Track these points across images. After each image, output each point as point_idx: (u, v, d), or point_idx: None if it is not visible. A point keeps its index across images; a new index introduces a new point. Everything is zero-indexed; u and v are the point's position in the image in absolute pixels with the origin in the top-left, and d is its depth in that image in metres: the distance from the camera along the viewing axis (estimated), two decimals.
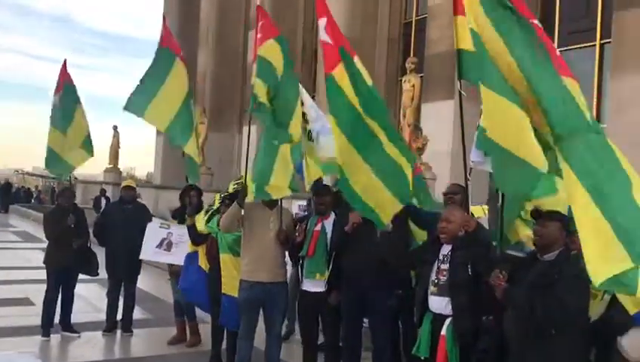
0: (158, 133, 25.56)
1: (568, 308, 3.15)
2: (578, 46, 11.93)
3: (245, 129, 19.31)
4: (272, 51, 5.02)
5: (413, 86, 10.93)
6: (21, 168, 50.99)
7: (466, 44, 3.68)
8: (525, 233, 4.26)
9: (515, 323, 3.41)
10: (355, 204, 4.43)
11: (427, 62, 13.40)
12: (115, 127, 24.43)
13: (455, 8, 3.80)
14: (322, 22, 4.55)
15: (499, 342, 3.85)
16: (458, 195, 4.58)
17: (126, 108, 6.06)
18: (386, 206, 4.30)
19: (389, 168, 4.31)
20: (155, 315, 7.77)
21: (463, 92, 4.17)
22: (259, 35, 5.04)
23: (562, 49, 12.10)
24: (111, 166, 24.63)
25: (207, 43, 22.75)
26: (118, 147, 24.51)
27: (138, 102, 6.04)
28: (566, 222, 3.46)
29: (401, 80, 12.86)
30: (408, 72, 11.10)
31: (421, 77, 12.05)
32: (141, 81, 6.16)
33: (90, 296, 8.27)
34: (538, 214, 3.49)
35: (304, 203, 7.60)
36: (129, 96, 6.07)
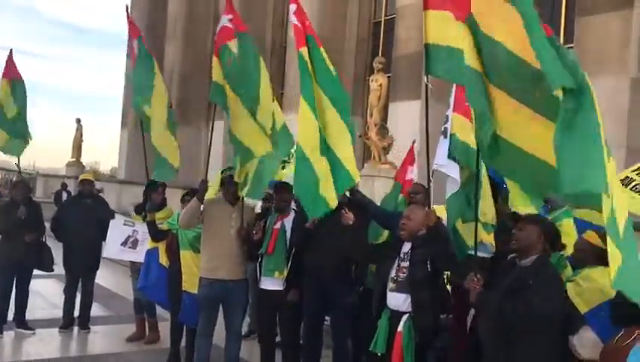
0: (123, 127, 25.17)
1: (537, 313, 3.13)
2: None
3: (216, 123, 19.03)
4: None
5: (381, 85, 10.97)
6: None
7: (435, 38, 3.68)
8: (483, 236, 4.33)
9: (489, 326, 3.43)
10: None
11: (395, 63, 13.46)
12: (78, 120, 24.00)
13: (425, 3, 3.79)
14: (292, 7, 4.57)
15: (468, 342, 3.91)
16: (419, 195, 4.65)
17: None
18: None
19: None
20: (114, 312, 7.63)
21: (430, 85, 4.18)
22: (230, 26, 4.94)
23: None
24: (73, 160, 24.15)
25: (174, 37, 22.46)
26: (81, 140, 24.07)
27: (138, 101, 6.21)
28: (547, 226, 3.46)
29: (369, 79, 12.91)
30: (376, 71, 11.15)
31: (389, 77, 12.11)
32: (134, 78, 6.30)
33: (46, 292, 8.07)
34: (517, 218, 3.50)
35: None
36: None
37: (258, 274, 4.96)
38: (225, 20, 4.95)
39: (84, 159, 25.04)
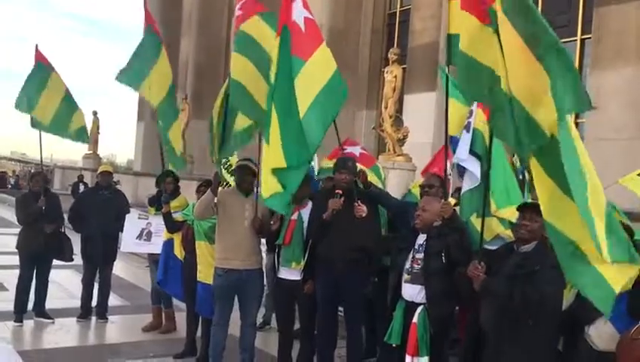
0: (139, 119, 25.39)
1: (546, 298, 3.19)
2: (560, 41, 12.01)
3: None
4: (256, 27, 4.91)
5: (395, 77, 10.89)
6: (12, 153, 50.26)
7: (458, 28, 3.65)
8: (500, 230, 4.33)
9: (493, 313, 3.45)
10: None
11: (410, 54, 13.41)
12: (94, 113, 24.17)
13: None
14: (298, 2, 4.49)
15: (475, 332, 3.91)
16: (433, 188, 4.60)
17: (118, 79, 6.09)
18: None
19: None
20: (131, 302, 7.72)
21: (450, 75, 4.16)
22: (240, 12, 4.92)
23: None
24: (90, 152, 24.39)
25: (189, 30, 22.53)
26: (98, 133, 24.27)
27: (131, 76, 6.10)
28: None
29: (384, 70, 12.87)
30: (391, 62, 11.07)
31: (404, 68, 12.05)
32: (131, 60, 6.18)
33: (64, 282, 8.19)
34: (529, 208, 3.50)
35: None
36: (120, 70, 6.12)
37: (276, 264, 5.00)
38: (237, 10, 4.94)
39: (101, 151, 25.29)
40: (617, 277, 2.92)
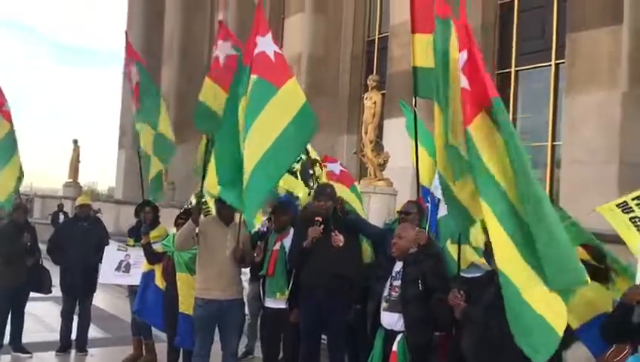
0: (120, 147, 25.28)
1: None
2: (535, 66, 12.29)
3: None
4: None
5: (375, 103, 11.04)
6: None
7: (422, 61, 3.76)
8: (474, 258, 4.40)
9: (474, 341, 3.47)
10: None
11: (389, 80, 13.59)
12: (75, 141, 24.05)
13: (413, 27, 3.90)
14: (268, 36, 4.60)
15: (457, 358, 3.93)
16: (410, 215, 4.63)
17: (136, 120, 6.40)
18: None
19: None
20: (111, 334, 7.63)
21: (415, 109, 4.27)
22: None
23: (520, 68, 12.49)
24: (70, 180, 24.17)
25: (170, 58, 22.63)
26: (78, 161, 24.12)
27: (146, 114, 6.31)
28: None
29: (364, 96, 13.02)
30: (370, 89, 11.23)
31: (383, 94, 12.21)
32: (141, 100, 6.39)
33: (42, 315, 8.06)
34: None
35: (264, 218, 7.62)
36: (137, 111, 6.38)
37: (262, 294, 5.01)
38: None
39: (82, 178, 25.07)
40: (558, 321, 2.95)
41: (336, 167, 5.89)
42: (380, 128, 11.63)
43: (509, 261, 2.97)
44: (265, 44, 4.50)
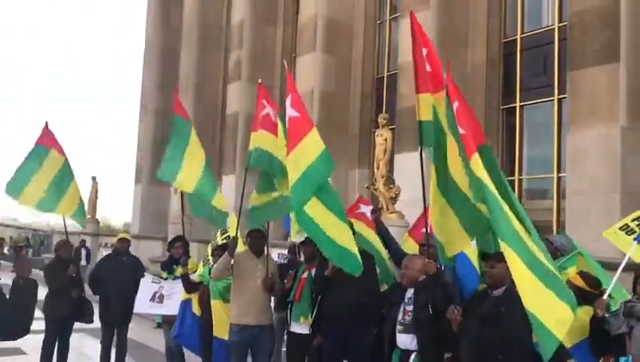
0: (137, 183, 25.93)
1: (512, 338, 3.68)
2: (538, 101, 12.83)
3: (224, 178, 19.59)
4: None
5: (386, 140, 11.63)
6: None
7: (426, 115, 4.36)
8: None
9: (471, 352, 3.93)
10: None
11: (398, 115, 14.16)
12: (93, 178, 24.72)
13: (417, 88, 4.48)
14: (289, 99, 5.13)
15: None
16: (432, 247, 5.07)
17: (162, 177, 6.59)
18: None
19: None
20: (140, 361, 8.06)
21: (424, 156, 4.83)
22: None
23: (524, 103, 13.03)
24: (89, 216, 24.76)
25: (186, 94, 23.41)
26: (96, 198, 24.73)
27: (169, 170, 6.45)
28: None
29: (374, 132, 13.58)
30: (381, 126, 11.81)
31: (392, 129, 12.76)
32: (167, 151, 6.60)
33: (79, 345, 8.53)
34: (490, 257, 4.06)
35: (284, 251, 8.12)
36: (162, 168, 6.56)
37: (288, 319, 5.47)
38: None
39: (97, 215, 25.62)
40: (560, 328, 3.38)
41: (368, 210, 6.32)
42: (391, 163, 12.18)
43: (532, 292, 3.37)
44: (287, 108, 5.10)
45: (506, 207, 3.54)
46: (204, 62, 22.40)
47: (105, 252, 18.78)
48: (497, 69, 13.27)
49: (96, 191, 24.53)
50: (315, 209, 4.73)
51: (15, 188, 6.83)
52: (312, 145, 4.93)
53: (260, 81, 5.95)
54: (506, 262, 3.91)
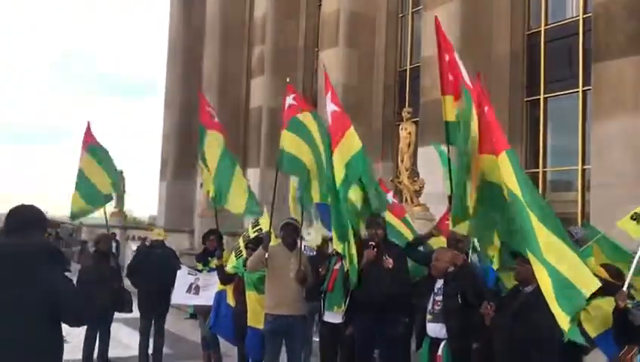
0: (162, 177, 26.41)
1: (541, 334, 3.85)
2: (562, 93, 12.83)
3: (249, 171, 19.73)
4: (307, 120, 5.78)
5: (410, 133, 11.78)
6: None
7: (451, 116, 4.60)
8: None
9: (503, 345, 4.12)
10: None
11: (422, 108, 14.25)
12: (120, 172, 25.20)
13: (442, 90, 4.71)
14: (328, 95, 5.41)
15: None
16: (462, 242, 5.24)
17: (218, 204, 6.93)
18: None
19: None
20: (176, 350, 8.40)
21: (449, 157, 5.06)
22: (294, 103, 5.80)
23: (548, 95, 13.04)
24: (116, 210, 25.27)
25: (210, 92, 23.69)
26: (124, 191, 25.22)
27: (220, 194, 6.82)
28: None
29: (398, 124, 13.70)
30: (404, 120, 11.95)
31: (416, 122, 12.87)
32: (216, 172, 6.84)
33: (117, 334, 8.86)
34: (517, 254, 4.22)
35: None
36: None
37: (322, 308, 5.70)
38: (290, 100, 5.82)
39: None
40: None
41: (389, 197, 6.52)
42: (415, 156, 12.31)
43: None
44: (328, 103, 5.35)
45: (528, 211, 3.76)
46: (227, 57, 22.62)
47: (133, 244, 19.29)
48: (521, 61, 13.28)
49: (124, 185, 25.00)
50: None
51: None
52: (353, 140, 5.20)
53: (288, 79, 6.14)
54: None
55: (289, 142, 5.67)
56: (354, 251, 5.24)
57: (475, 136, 4.32)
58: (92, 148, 7.49)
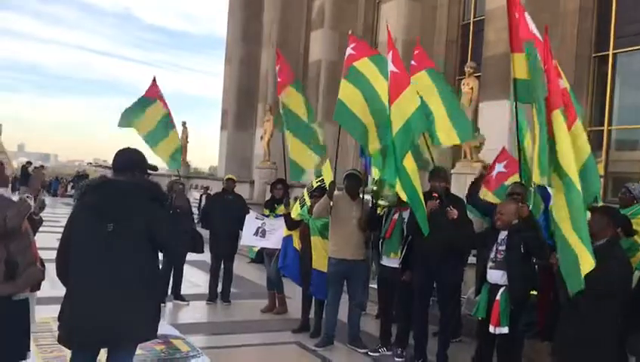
0: (222, 129, 27.09)
1: (605, 285, 4.03)
2: (633, 48, 12.37)
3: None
4: (367, 67, 5.97)
5: (472, 89, 11.67)
6: (95, 160, 53.73)
7: (521, 74, 4.68)
8: None
9: (565, 296, 4.30)
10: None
11: (484, 64, 14.03)
12: (183, 123, 26.02)
13: (511, 47, 4.78)
14: (390, 55, 5.56)
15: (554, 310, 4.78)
16: (520, 195, 5.32)
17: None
18: None
19: None
20: (241, 290, 8.98)
21: (515, 113, 5.16)
22: (354, 52, 6.00)
23: (617, 51, 12.61)
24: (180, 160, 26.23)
25: (269, 44, 23.93)
26: (187, 142, 26.11)
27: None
28: (618, 217, 4.42)
29: (459, 80, 13.58)
30: (467, 75, 11.85)
31: (478, 77, 12.73)
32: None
33: (188, 274, 9.55)
34: (593, 210, 4.39)
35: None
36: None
37: (380, 253, 6.09)
38: (349, 50, 6.02)
39: None
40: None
41: (500, 167, 6.41)
42: (476, 112, 12.24)
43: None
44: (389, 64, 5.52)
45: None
46: (287, 10, 22.65)
47: (195, 193, 20.10)
48: (591, 15, 12.84)
49: (187, 137, 25.84)
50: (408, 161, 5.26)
51: (125, 121, 8.31)
52: (411, 99, 5.37)
53: (350, 31, 6.28)
54: (606, 215, 4.34)
55: (346, 92, 5.90)
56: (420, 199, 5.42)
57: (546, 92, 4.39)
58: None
